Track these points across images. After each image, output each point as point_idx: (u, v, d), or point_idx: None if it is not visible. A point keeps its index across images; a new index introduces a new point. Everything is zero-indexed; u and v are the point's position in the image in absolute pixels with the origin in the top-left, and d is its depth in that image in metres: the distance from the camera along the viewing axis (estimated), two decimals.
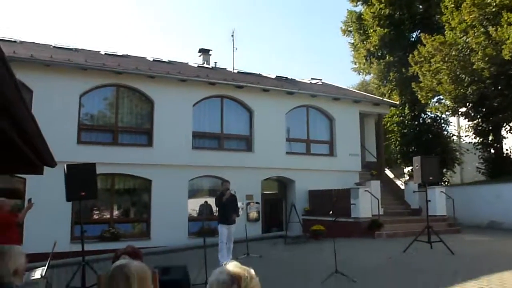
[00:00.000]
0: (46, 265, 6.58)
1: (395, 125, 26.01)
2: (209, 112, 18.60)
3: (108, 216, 16.44)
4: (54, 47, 19.56)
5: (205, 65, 23.74)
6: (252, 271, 2.33)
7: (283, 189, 20.46)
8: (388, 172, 23.72)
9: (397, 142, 25.62)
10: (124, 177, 16.95)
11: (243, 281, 2.21)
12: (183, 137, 17.38)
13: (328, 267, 10.16)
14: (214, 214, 13.41)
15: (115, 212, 16.76)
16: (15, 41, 19.11)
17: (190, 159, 17.35)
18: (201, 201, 17.84)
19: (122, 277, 2.26)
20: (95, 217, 16.44)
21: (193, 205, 17.78)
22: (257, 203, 18.62)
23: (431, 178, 12.81)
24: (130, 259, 2.52)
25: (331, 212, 14.36)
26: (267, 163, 18.86)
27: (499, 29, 17.56)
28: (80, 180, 9.26)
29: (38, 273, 5.81)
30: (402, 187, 21.22)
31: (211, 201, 13.20)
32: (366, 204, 16.61)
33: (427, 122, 25.56)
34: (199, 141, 18.21)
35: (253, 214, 18.49)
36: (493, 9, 18.35)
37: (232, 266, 2.29)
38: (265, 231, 18.82)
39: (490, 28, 18.28)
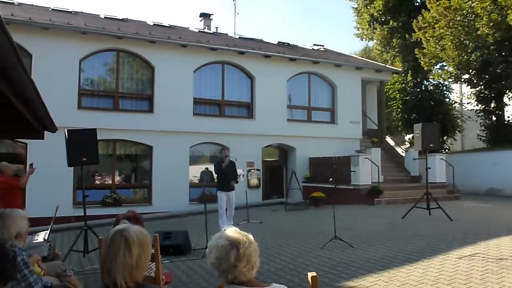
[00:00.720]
0: (49, 229, 6.66)
1: (397, 92, 25.84)
2: (210, 78, 18.47)
3: (110, 181, 16.56)
4: (52, 9, 19.27)
5: (206, 30, 23.43)
6: (251, 237, 2.36)
7: (284, 156, 20.52)
8: (389, 139, 23.74)
9: (399, 109, 25.52)
10: (125, 143, 16.98)
11: (241, 246, 2.24)
12: (184, 104, 17.31)
13: (327, 233, 10.28)
14: (215, 180, 13.48)
15: (117, 178, 16.89)
16: (12, 3, 18.80)
17: (191, 126, 17.34)
18: (202, 167, 17.92)
19: (122, 240, 2.27)
20: (97, 182, 16.58)
21: (194, 172, 17.88)
22: (257, 170, 18.70)
23: (431, 145, 12.82)
24: (131, 224, 2.53)
25: (331, 179, 14.46)
26: (268, 130, 18.85)
27: None
28: (81, 145, 9.26)
29: (41, 237, 5.89)
30: (403, 154, 21.27)
31: (212, 167, 13.23)
32: (366, 171, 16.70)
33: (429, 89, 25.40)
34: (200, 108, 18.15)
35: (254, 181, 18.60)
36: None
37: (231, 231, 2.32)
38: (266, 198, 18.98)
39: None
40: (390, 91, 26.06)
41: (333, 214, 9.76)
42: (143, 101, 17.24)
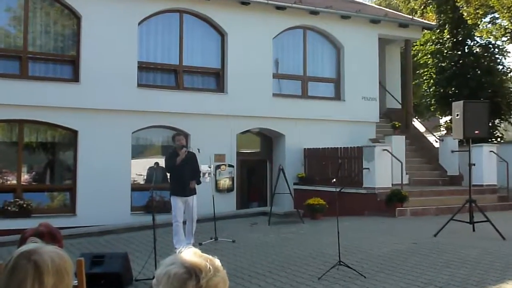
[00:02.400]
0: None
1: (429, 56, 26.08)
2: (163, 34, 18.44)
3: (14, 181, 16.45)
4: None
5: None
6: (218, 262, 2.33)
7: (268, 146, 20.53)
8: (417, 123, 24.01)
9: (431, 81, 25.79)
10: (37, 126, 16.85)
11: (203, 276, 2.20)
12: (125, 70, 17.16)
13: (328, 257, 10.31)
14: (168, 181, 13.45)
15: (24, 177, 16.78)
16: None
17: (134, 102, 17.23)
18: (150, 162, 17.75)
19: (30, 267, 2.23)
20: None
21: (138, 168, 17.79)
22: (230, 166, 18.72)
23: (477, 132, 12.92)
24: (43, 243, 2.50)
25: (334, 179, 14.46)
26: (246, 110, 18.84)
27: None
28: None
29: None
30: (437, 145, 21.48)
31: (163, 162, 13.27)
32: (385, 169, 16.83)
33: (474, 52, 25.65)
34: (147, 76, 18.09)
35: (225, 182, 18.62)
36: None
37: (190, 254, 2.29)
38: (242, 207, 18.99)
39: None
40: (420, 55, 26.30)
41: (337, 230, 9.80)
42: (64, 65, 17.08)
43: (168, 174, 12.86)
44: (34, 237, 4.45)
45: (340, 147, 18.35)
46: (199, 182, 12.85)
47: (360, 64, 20.99)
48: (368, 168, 16.87)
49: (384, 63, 23.02)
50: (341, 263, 9.48)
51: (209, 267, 2.25)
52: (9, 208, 15.74)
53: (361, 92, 20.94)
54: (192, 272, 2.21)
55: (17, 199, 16.01)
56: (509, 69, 25.93)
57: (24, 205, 15.90)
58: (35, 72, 16.68)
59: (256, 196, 20.08)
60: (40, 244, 2.41)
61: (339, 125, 20.21)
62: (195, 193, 12.52)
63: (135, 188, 17.49)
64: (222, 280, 2.25)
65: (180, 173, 12.32)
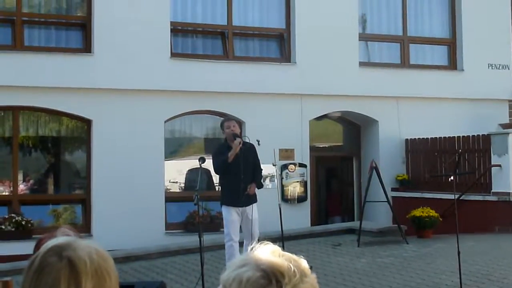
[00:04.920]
0: None
1: None
2: None
3: (8, 191, 16.81)
4: None
5: None
6: (304, 263, 2.34)
7: (354, 138, 20.55)
8: None
9: None
10: (37, 115, 17.19)
11: (287, 281, 2.22)
12: (152, 35, 17.32)
13: None
14: (216, 187, 13.45)
15: (21, 186, 17.08)
16: None
17: (167, 79, 17.35)
18: (190, 163, 17.98)
19: (62, 267, 2.26)
20: None
21: (176, 171, 18.03)
22: (301, 165, 18.75)
23: None
24: (75, 237, 2.53)
25: (452, 177, 14.27)
26: (321, 86, 18.81)
27: None
28: None
29: None
30: None
31: (210, 161, 13.18)
32: None
33: None
34: (184, 42, 18.34)
35: (294, 188, 18.63)
36: None
37: (267, 253, 2.30)
38: (319, 221, 19.00)
39: None
40: None
41: (458, 253, 9.74)
42: (70, 30, 17.41)
43: (218, 176, 12.77)
44: (65, 229, 4.52)
45: (459, 136, 18.16)
46: (260, 186, 12.78)
47: (484, 18, 20.67)
48: (499, 165, 16.62)
49: None
50: None
51: (294, 270, 2.26)
52: (2, 226, 15.98)
53: (486, 58, 20.61)
54: (272, 276, 2.22)
55: (13, 215, 16.25)
56: None
57: (23, 223, 16.12)
58: (33, 42, 17.03)
59: (339, 207, 20.03)
60: (73, 237, 2.44)
61: (455, 105, 20.00)
62: (256, 201, 12.48)
63: (171, 198, 17.68)
64: (311, 287, 2.26)
65: (234, 173, 12.15)
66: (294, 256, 2.33)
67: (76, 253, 2.26)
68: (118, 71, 16.92)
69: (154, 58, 17.30)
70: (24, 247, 13.54)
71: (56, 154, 17.82)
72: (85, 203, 17.05)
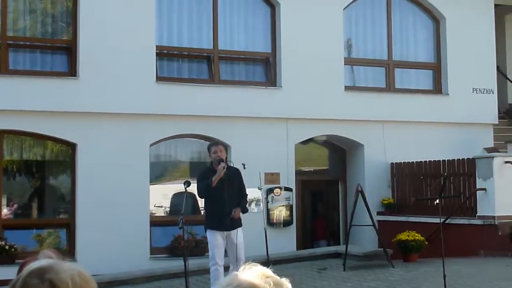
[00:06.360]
0: None
1: None
2: (189, 8, 18.61)
3: None
4: None
5: None
6: (288, 285, 2.42)
7: (340, 161, 20.58)
8: None
9: None
10: (21, 139, 17.20)
11: None
12: (138, 58, 17.37)
13: None
14: (201, 210, 13.41)
15: (5, 211, 17.00)
16: None
17: (153, 102, 17.38)
18: (176, 187, 17.92)
19: None
20: None
21: (161, 195, 18.05)
22: (287, 189, 18.75)
23: None
24: (58, 260, 2.57)
25: (437, 201, 14.34)
26: (307, 110, 18.85)
27: None
28: None
29: None
30: None
31: (195, 186, 13.14)
32: (509, 189, 16.59)
33: None
34: (169, 66, 18.43)
35: (280, 212, 18.61)
36: None
37: (252, 274, 2.38)
38: (305, 245, 19.00)
39: None
40: None
41: (443, 277, 9.78)
42: (56, 54, 17.47)
43: (202, 200, 12.76)
44: (48, 251, 4.53)
45: (444, 160, 18.23)
46: (245, 210, 12.82)
47: (469, 43, 20.81)
48: (484, 189, 16.69)
49: (503, 40, 22.82)
50: None
51: None
52: None
53: (471, 82, 20.74)
54: None
55: None
56: None
57: (6, 247, 16.06)
58: (18, 65, 17.04)
59: (325, 231, 20.01)
60: (56, 260, 2.48)
61: (440, 129, 20.09)
62: (240, 225, 12.50)
63: (156, 223, 17.68)
64: None
65: (218, 197, 12.23)
66: (280, 280, 2.40)
67: (58, 276, 2.30)
68: (103, 94, 16.95)
69: (139, 81, 17.33)
70: (7, 272, 13.45)
71: (40, 178, 17.79)
72: (70, 227, 17.02)
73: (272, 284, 2.36)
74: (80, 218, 16.86)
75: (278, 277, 2.41)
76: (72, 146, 17.12)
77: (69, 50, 17.27)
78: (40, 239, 17.19)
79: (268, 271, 2.41)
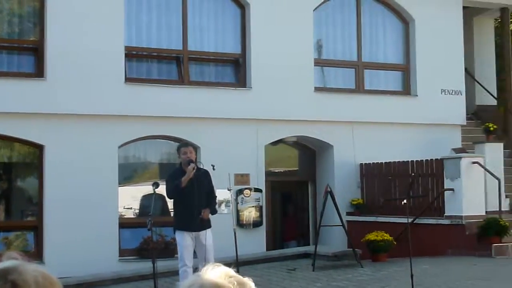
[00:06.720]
0: None
1: None
2: (158, 9, 18.58)
3: None
4: None
5: None
6: (251, 284, 2.42)
7: (310, 162, 20.61)
8: None
9: None
10: None
11: None
12: (106, 59, 17.29)
13: None
14: (171, 211, 13.38)
15: None
16: None
17: (121, 104, 17.30)
18: (144, 188, 17.87)
19: None
20: None
21: (130, 197, 17.99)
22: (257, 190, 18.77)
23: None
24: (22, 261, 2.54)
25: (405, 201, 14.40)
26: (277, 111, 18.88)
27: None
28: None
29: None
30: None
31: (164, 187, 13.12)
32: (476, 189, 16.77)
33: None
34: (138, 67, 18.37)
35: (250, 213, 18.62)
36: None
37: (216, 274, 2.37)
38: (274, 246, 19.00)
39: None
40: None
41: (411, 276, 9.81)
42: (23, 55, 17.36)
43: (171, 201, 12.72)
44: (12, 253, 4.47)
45: (412, 161, 18.30)
46: (214, 212, 12.84)
47: (437, 44, 20.91)
48: (451, 189, 16.79)
49: (471, 42, 22.94)
50: None
51: None
52: None
53: (440, 84, 20.85)
54: None
55: None
56: None
57: None
58: None
59: (294, 231, 20.01)
60: (20, 261, 2.45)
61: (409, 130, 20.18)
62: (210, 226, 12.53)
63: (125, 224, 17.60)
64: None
65: (187, 198, 12.21)
66: (243, 279, 2.40)
67: (21, 277, 2.27)
68: (71, 95, 16.85)
69: (108, 82, 17.26)
70: None
71: (7, 180, 17.66)
72: (37, 230, 16.88)
73: (236, 283, 2.36)
74: (48, 220, 16.75)
75: (241, 277, 2.41)
76: (39, 148, 17.01)
77: (36, 51, 17.17)
78: (7, 242, 17.03)
79: (231, 271, 2.41)
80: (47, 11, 17.08)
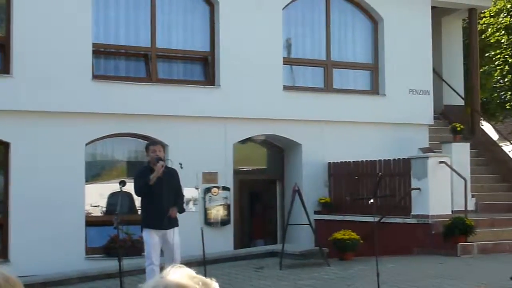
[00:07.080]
0: None
1: (503, 32, 26.06)
2: (126, 5, 18.51)
3: None
4: None
5: None
6: (215, 286, 2.43)
7: (278, 161, 20.64)
8: (487, 126, 23.92)
9: (507, 68, 25.73)
10: None
11: None
12: (73, 56, 17.20)
13: None
14: (138, 209, 13.32)
15: None
16: None
17: (88, 101, 17.22)
18: (111, 186, 17.82)
19: None
20: None
21: (97, 195, 17.93)
22: (225, 189, 18.77)
23: None
24: None
25: (372, 200, 14.44)
26: (245, 109, 18.92)
27: None
28: None
29: None
30: None
31: (132, 185, 13.08)
32: (442, 189, 16.90)
33: None
34: (106, 64, 18.30)
35: (218, 212, 18.61)
36: None
37: (178, 275, 2.38)
38: (242, 245, 19.01)
39: None
40: (490, 30, 26.28)
41: (377, 274, 9.85)
42: None
43: (139, 199, 12.67)
44: None
45: (380, 160, 18.42)
46: (182, 210, 12.78)
47: (406, 44, 21.03)
48: (418, 189, 16.91)
49: (439, 42, 23.10)
50: None
51: None
52: None
53: (408, 83, 20.98)
54: None
55: None
56: None
57: None
58: None
59: (262, 230, 20.02)
60: None
61: (377, 129, 20.31)
62: (177, 225, 12.47)
63: (92, 223, 17.52)
64: None
65: (155, 196, 12.19)
66: (205, 279, 2.41)
67: None
68: (37, 92, 16.75)
69: (75, 79, 17.15)
70: None
71: None
72: (3, 228, 16.74)
73: (200, 283, 2.38)
74: (13, 219, 16.62)
75: (205, 278, 2.42)
76: (5, 145, 16.87)
77: (2, 47, 17.01)
78: None
79: (193, 272, 2.42)
80: (13, 7, 16.93)
